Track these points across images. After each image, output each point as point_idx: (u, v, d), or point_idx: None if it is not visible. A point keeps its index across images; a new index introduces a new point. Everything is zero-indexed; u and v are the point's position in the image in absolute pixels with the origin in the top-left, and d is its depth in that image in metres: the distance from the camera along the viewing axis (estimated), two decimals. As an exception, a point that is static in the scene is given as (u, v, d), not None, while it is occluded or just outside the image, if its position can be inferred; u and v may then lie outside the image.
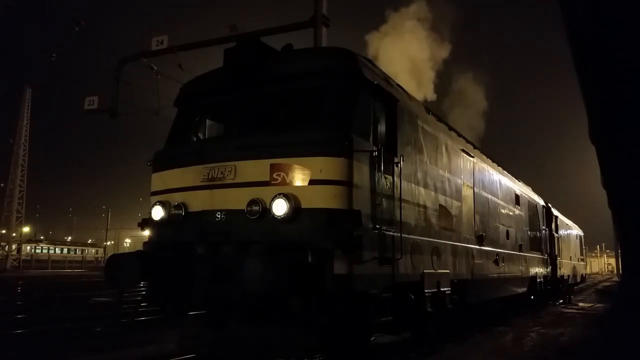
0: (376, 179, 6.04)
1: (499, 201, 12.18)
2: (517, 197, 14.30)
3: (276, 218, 5.37)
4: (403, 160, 6.65)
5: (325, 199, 5.43)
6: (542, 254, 17.08)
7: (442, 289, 7.63)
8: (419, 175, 7.41)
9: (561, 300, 19.18)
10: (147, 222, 6.67)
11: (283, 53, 6.80)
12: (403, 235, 6.48)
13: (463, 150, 9.70)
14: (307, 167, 5.49)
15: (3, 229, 61.01)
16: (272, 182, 5.59)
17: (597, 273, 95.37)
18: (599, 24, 3.25)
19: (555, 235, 20.17)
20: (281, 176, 5.56)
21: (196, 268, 5.81)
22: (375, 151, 6.03)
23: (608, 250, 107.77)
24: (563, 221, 23.78)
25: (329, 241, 5.27)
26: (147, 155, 7.03)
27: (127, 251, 32.00)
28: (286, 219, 5.35)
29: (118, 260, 6.14)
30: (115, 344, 8.80)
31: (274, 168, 5.61)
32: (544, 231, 17.99)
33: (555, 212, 20.89)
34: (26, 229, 68.97)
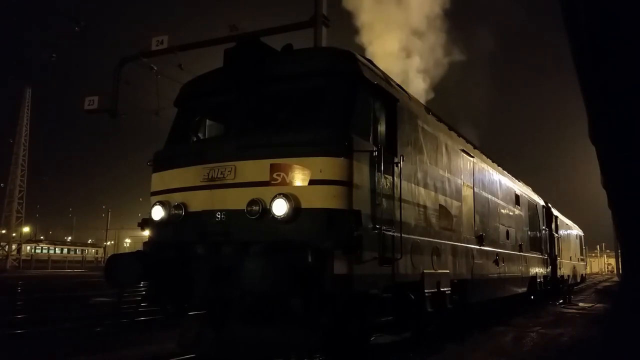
0: (376, 179, 6.04)
1: (499, 201, 12.18)
2: (517, 197, 14.31)
3: (276, 218, 5.37)
4: (403, 160, 6.65)
5: (325, 199, 5.43)
6: (542, 254, 17.09)
7: (442, 289, 7.63)
8: (419, 175, 7.41)
9: (561, 300, 19.18)
10: (147, 222, 6.67)
11: (283, 53, 6.79)
12: (403, 235, 6.48)
13: (463, 150, 9.70)
14: (307, 167, 5.49)
15: (3, 229, 61.03)
16: (272, 182, 5.59)
17: (597, 273, 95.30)
18: (599, 26, 3.25)
19: (555, 235, 20.18)
20: (281, 176, 5.56)
21: (196, 268, 5.81)
22: (375, 151, 6.03)
23: (608, 250, 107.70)
24: (563, 221, 23.79)
25: (328, 241, 5.27)
26: (147, 155, 7.04)
27: (127, 251, 31.98)
28: (286, 219, 5.35)
29: (118, 260, 6.14)
30: (115, 344, 8.79)
31: (274, 168, 5.61)
32: (544, 231, 18.00)
33: (555, 212, 20.90)
34: (26, 229, 69.05)
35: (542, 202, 18.54)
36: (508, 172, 13.98)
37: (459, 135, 10.05)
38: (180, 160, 6.43)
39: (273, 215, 5.38)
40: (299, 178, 5.51)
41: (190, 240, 6.03)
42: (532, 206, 16.44)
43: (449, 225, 8.49)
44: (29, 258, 59.96)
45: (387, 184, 6.31)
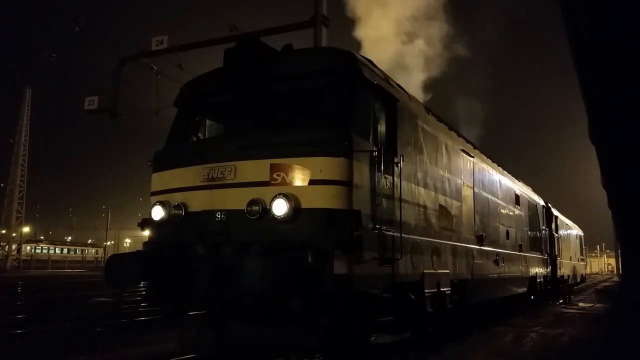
0: (376, 179, 6.04)
1: (499, 201, 12.18)
2: (517, 197, 14.31)
3: (276, 218, 5.37)
4: (403, 160, 6.65)
5: (325, 199, 5.43)
6: (542, 254, 17.09)
7: (442, 289, 7.63)
8: (419, 175, 7.41)
9: (561, 300, 19.17)
10: (147, 222, 6.67)
11: (283, 53, 6.80)
12: (403, 235, 6.48)
13: (463, 150, 9.71)
14: (307, 167, 5.50)
15: (3, 229, 61.04)
16: (272, 182, 5.59)
17: (597, 273, 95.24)
18: (599, 26, 3.25)
19: (555, 235, 20.18)
20: (281, 176, 5.57)
21: (196, 268, 5.82)
22: (375, 151, 6.03)
23: (608, 250, 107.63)
24: (563, 221, 23.79)
25: (328, 241, 5.27)
26: (147, 155, 7.04)
27: (127, 251, 31.97)
28: (286, 219, 5.35)
29: (118, 260, 6.14)
30: (115, 344, 8.79)
31: (274, 168, 5.61)
32: (544, 231, 18.00)
33: (555, 212, 20.90)
34: (26, 229, 69.07)
35: (542, 202, 18.54)
36: (508, 172, 13.98)
37: (459, 135, 10.05)
38: (180, 160, 6.43)
39: (273, 215, 5.38)
40: (299, 178, 5.51)
41: (190, 240, 6.04)
42: (532, 206, 16.44)
43: (449, 225, 8.49)
44: (29, 258, 59.95)
45: (387, 184, 6.31)
